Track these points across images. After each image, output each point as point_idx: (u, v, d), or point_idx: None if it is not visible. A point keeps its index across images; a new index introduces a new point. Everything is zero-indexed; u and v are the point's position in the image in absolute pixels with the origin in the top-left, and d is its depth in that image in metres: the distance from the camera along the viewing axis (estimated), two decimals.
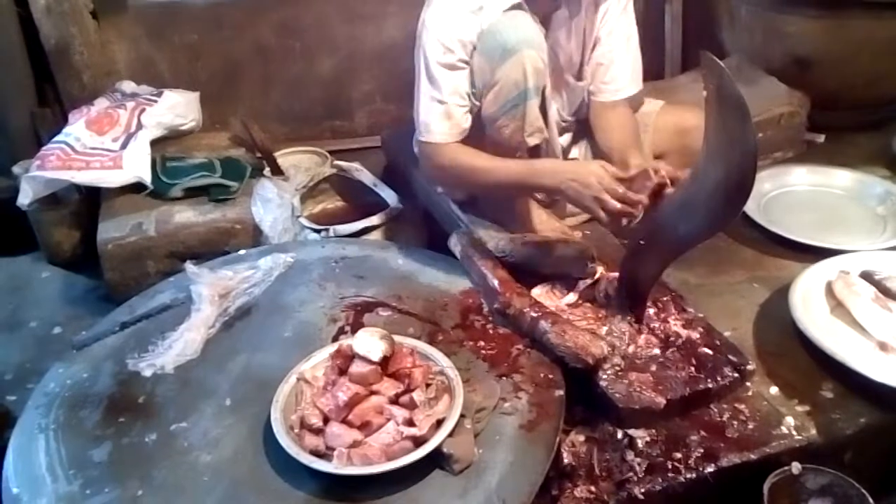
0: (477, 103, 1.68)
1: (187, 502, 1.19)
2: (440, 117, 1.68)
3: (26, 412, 1.38)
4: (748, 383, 1.48)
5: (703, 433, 1.39)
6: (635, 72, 1.85)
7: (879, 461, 1.47)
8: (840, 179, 2.25)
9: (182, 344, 1.49)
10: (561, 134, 1.92)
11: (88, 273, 2.03)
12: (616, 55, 1.81)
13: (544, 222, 1.86)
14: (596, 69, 1.83)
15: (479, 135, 1.73)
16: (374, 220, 2.01)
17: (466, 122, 1.70)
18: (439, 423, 1.24)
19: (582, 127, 1.97)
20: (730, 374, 1.45)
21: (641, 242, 1.50)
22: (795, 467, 1.30)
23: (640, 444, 1.36)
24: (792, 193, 2.24)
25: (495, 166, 1.67)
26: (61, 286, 2.03)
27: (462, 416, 1.26)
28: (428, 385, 1.32)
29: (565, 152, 1.96)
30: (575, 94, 1.87)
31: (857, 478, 1.29)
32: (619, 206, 1.44)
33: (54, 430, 1.33)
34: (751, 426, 1.40)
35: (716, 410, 1.43)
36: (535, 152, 1.79)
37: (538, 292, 1.64)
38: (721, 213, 1.33)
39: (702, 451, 1.35)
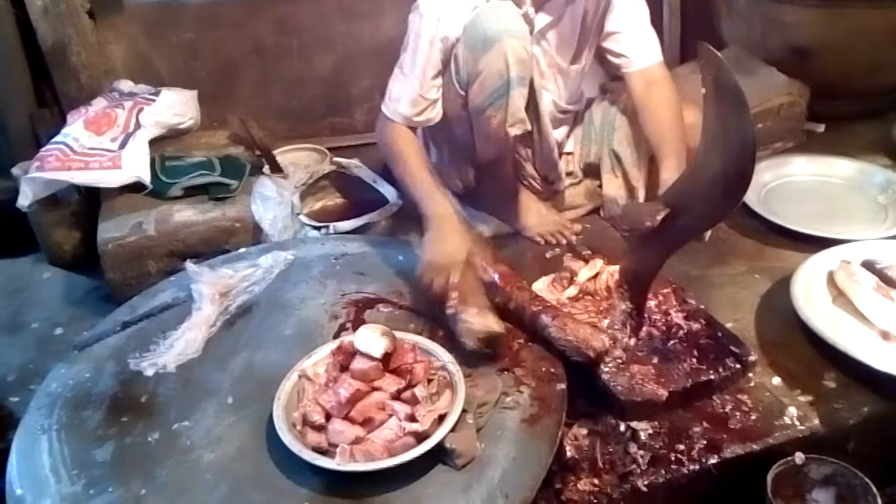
0: (462, 93, 1.68)
1: (190, 501, 1.20)
2: (408, 103, 1.68)
3: (29, 413, 1.38)
4: (750, 374, 1.48)
5: (705, 425, 1.39)
6: (656, 43, 1.81)
7: (882, 450, 1.47)
8: (840, 169, 2.24)
9: (183, 343, 1.49)
10: (557, 127, 1.92)
11: (89, 273, 2.02)
12: (634, 22, 1.78)
13: (543, 215, 1.87)
14: (615, 40, 1.79)
15: (467, 127, 1.73)
16: (374, 216, 2.01)
17: (425, 118, 1.71)
18: (441, 418, 1.24)
19: (576, 117, 1.97)
20: (732, 365, 1.45)
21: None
22: (799, 457, 1.30)
23: (642, 436, 1.36)
24: (792, 183, 2.23)
25: (411, 171, 1.64)
26: (62, 287, 2.03)
27: (464, 411, 1.26)
28: (430, 380, 1.32)
29: (560, 146, 1.95)
30: (570, 80, 1.86)
31: (861, 467, 1.29)
32: (429, 291, 1.48)
33: (57, 431, 1.33)
34: (753, 417, 1.40)
35: (718, 402, 1.43)
36: (526, 142, 1.78)
37: (539, 286, 1.64)
38: (720, 204, 1.33)
39: (705, 442, 1.35)
